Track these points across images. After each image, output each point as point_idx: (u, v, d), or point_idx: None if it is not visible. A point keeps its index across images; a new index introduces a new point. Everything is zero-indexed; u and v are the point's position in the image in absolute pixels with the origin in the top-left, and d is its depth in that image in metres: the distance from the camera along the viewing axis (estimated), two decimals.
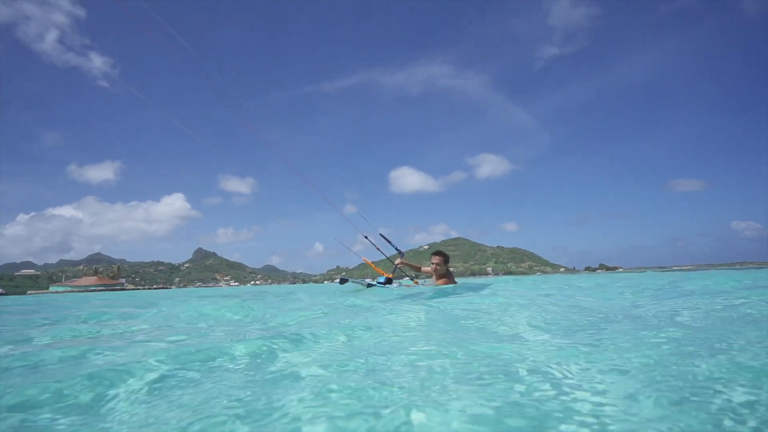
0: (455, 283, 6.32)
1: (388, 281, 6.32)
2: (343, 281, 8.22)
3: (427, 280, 6.77)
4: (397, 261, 6.68)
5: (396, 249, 6.78)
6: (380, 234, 6.74)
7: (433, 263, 6.23)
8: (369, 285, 6.51)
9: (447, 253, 6.33)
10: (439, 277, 6.16)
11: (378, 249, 7.15)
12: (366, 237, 7.03)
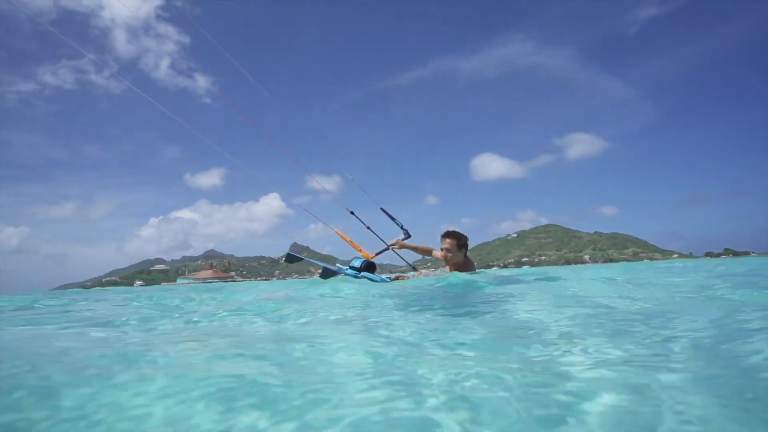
0: (474, 269, 4.61)
1: (368, 267, 4.60)
2: (327, 274, 4.94)
3: (438, 269, 5.09)
4: (393, 242, 4.85)
5: (401, 227, 5.01)
6: (381, 208, 5.04)
7: (443, 248, 4.45)
8: (327, 272, 4.69)
9: (465, 235, 4.49)
10: (453, 266, 4.45)
11: (368, 228, 5.15)
12: (352, 213, 5.19)
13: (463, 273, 4.15)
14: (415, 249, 4.96)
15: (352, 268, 4.66)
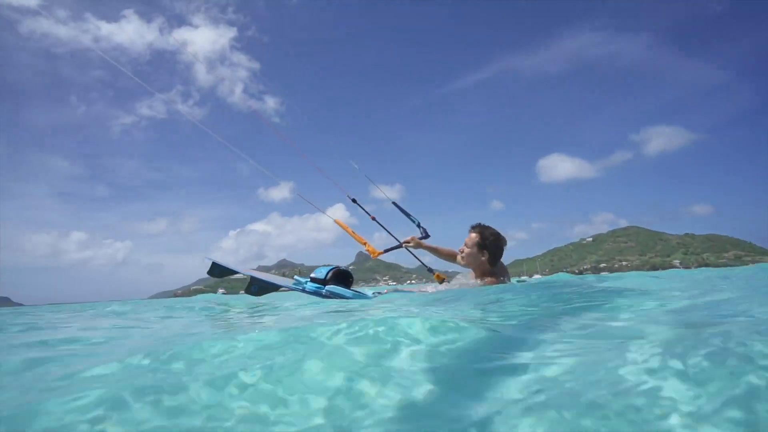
0: (504, 281, 3.35)
1: (339, 278, 3.45)
2: (261, 288, 3.78)
3: (463, 277, 3.72)
4: (408, 239, 3.83)
5: (417, 225, 4.01)
6: (393, 203, 4.08)
7: (464, 249, 3.33)
8: (260, 285, 3.56)
9: (497, 233, 3.28)
10: (478, 272, 3.29)
11: (373, 219, 4.11)
12: (354, 200, 4.15)
13: (489, 284, 3.10)
14: (435, 251, 3.81)
15: (313, 280, 3.32)
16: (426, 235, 3.91)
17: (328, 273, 3.37)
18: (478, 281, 3.23)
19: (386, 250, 3.91)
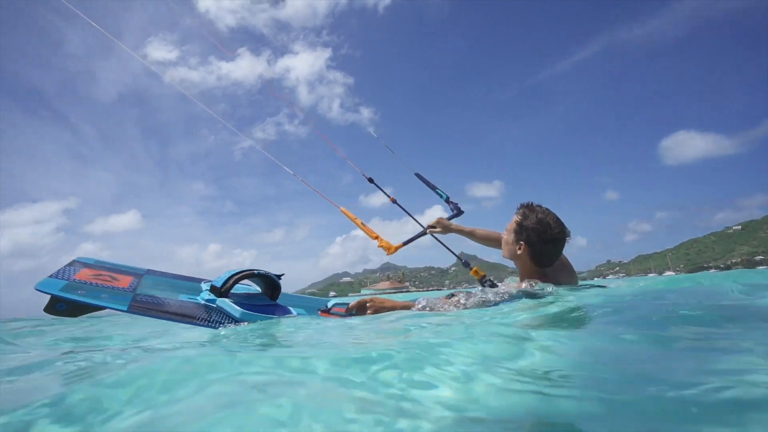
0: (572, 283, 2.12)
1: (269, 285, 2.53)
2: (67, 307, 1.86)
3: (511, 280, 2.31)
4: (433, 222, 2.78)
5: (446, 200, 2.95)
6: (416, 174, 3.12)
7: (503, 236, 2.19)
8: (76, 306, 1.88)
9: (541, 218, 1.96)
10: (522, 272, 2.09)
11: (394, 201, 3.04)
12: (371, 180, 3.13)
13: (529, 290, 1.87)
14: (471, 235, 2.67)
15: (212, 290, 2.21)
16: (456, 213, 2.87)
17: (227, 280, 2.18)
18: (523, 285, 1.95)
19: (406, 242, 2.83)
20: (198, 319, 1.99)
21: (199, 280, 2.69)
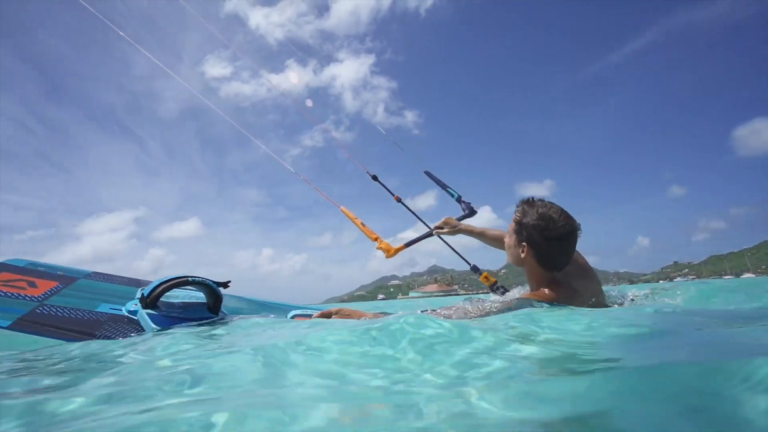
0: (592, 291, 1.72)
1: (215, 295, 2.10)
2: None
3: (523, 288, 2.01)
4: (439, 223, 2.59)
5: (457, 200, 2.75)
6: (425, 172, 2.93)
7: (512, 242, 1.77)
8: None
9: (542, 212, 1.63)
10: (530, 279, 1.75)
11: (398, 200, 2.91)
12: (375, 178, 2.97)
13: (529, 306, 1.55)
14: (481, 236, 2.40)
15: (141, 299, 1.96)
16: (468, 213, 2.64)
17: (155, 289, 1.92)
18: (515, 296, 1.83)
19: (409, 244, 2.60)
20: (99, 334, 1.77)
21: (145, 285, 2.21)
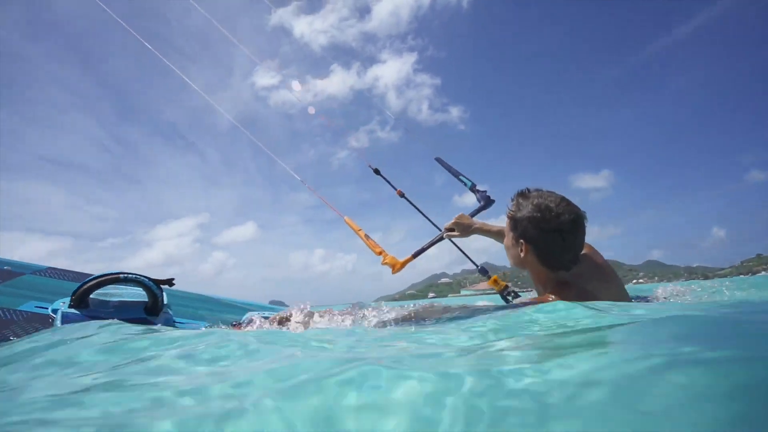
0: (612, 296, 1.45)
1: (157, 294, 1.83)
2: None
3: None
4: (450, 224, 2.13)
5: (471, 189, 2.36)
6: (436, 159, 2.55)
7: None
8: None
9: (540, 202, 1.41)
10: (536, 281, 1.58)
11: (402, 195, 2.55)
12: (377, 171, 2.65)
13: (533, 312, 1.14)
14: (499, 235, 1.99)
15: (72, 297, 1.74)
16: (484, 204, 2.25)
17: (82, 285, 1.74)
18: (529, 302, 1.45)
19: (417, 254, 2.25)
20: (3, 334, 1.71)
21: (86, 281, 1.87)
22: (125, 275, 1.78)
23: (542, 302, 1.29)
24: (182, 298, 2.61)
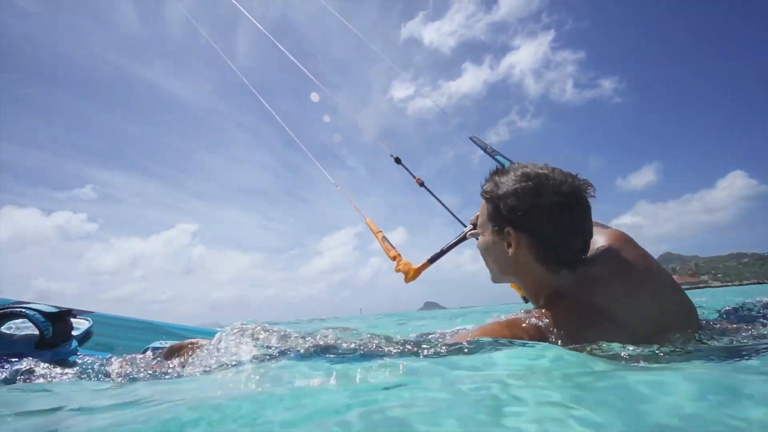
0: (671, 313, 0.96)
1: (64, 318, 1.63)
2: None
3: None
4: (474, 219, 1.26)
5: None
6: (471, 138, 2.38)
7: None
8: None
9: (527, 185, 0.94)
10: (530, 294, 1.05)
11: (421, 185, 2.47)
12: (398, 160, 2.61)
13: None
14: None
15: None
16: None
17: None
18: (532, 322, 0.94)
19: (434, 258, 1.94)
20: None
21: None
22: (11, 309, 1.61)
23: (523, 332, 0.88)
24: (122, 327, 2.40)
